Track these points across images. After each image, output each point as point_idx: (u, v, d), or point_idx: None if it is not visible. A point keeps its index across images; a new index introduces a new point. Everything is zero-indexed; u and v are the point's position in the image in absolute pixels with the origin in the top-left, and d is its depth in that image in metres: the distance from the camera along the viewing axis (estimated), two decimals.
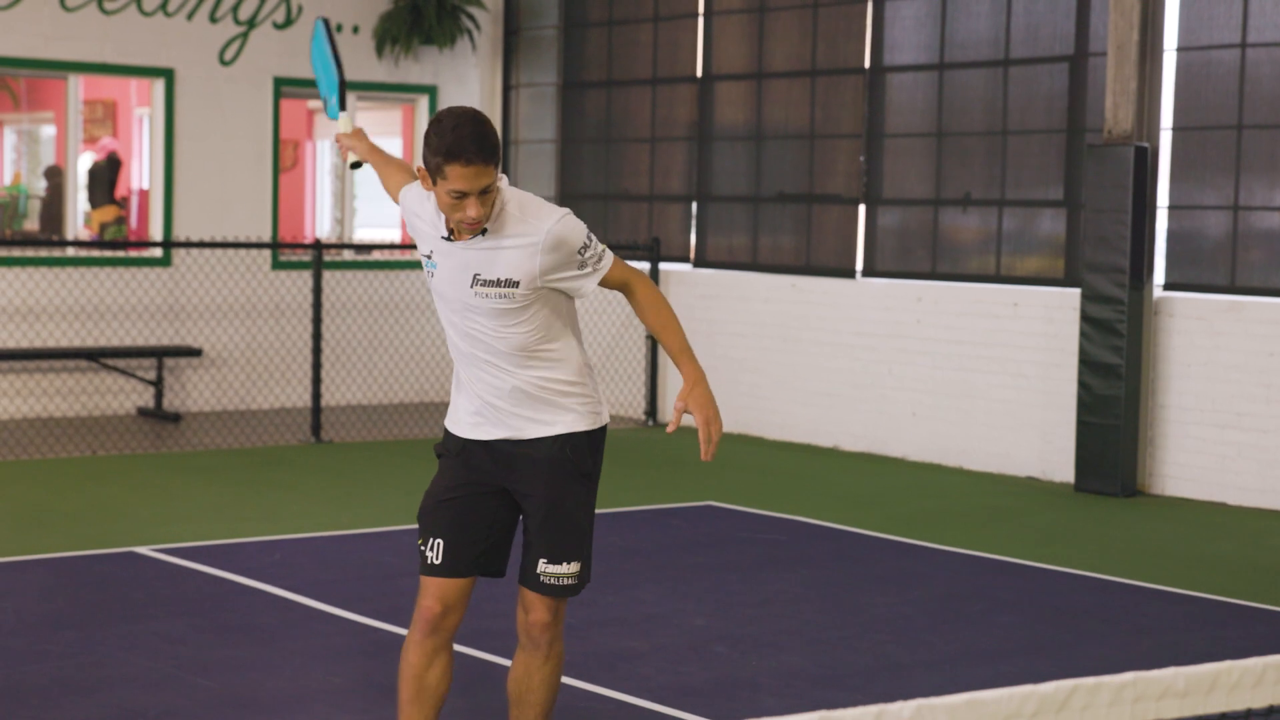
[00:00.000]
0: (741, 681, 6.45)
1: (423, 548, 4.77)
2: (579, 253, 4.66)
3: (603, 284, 4.77)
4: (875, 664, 6.80)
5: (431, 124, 4.54)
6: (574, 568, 4.77)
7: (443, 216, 4.65)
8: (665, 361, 13.99)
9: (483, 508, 4.77)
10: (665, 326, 4.76)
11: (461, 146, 4.44)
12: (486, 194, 4.51)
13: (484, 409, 4.74)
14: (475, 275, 4.63)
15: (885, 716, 2.16)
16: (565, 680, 6.29)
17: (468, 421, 4.78)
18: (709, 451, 4.67)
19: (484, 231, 4.60)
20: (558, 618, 4.83)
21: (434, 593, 4.76)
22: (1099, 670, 6.46)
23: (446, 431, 4.87)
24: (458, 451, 4.80)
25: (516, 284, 4.61)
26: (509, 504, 4.81)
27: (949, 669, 6.74)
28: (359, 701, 6.03)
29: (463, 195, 4.48)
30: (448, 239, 4.65)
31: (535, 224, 4.62)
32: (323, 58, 5.65)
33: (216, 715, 5.86)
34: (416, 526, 4.80)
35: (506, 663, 6.26)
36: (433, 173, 4.53)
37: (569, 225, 4.63)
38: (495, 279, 4.61)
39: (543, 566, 4.75)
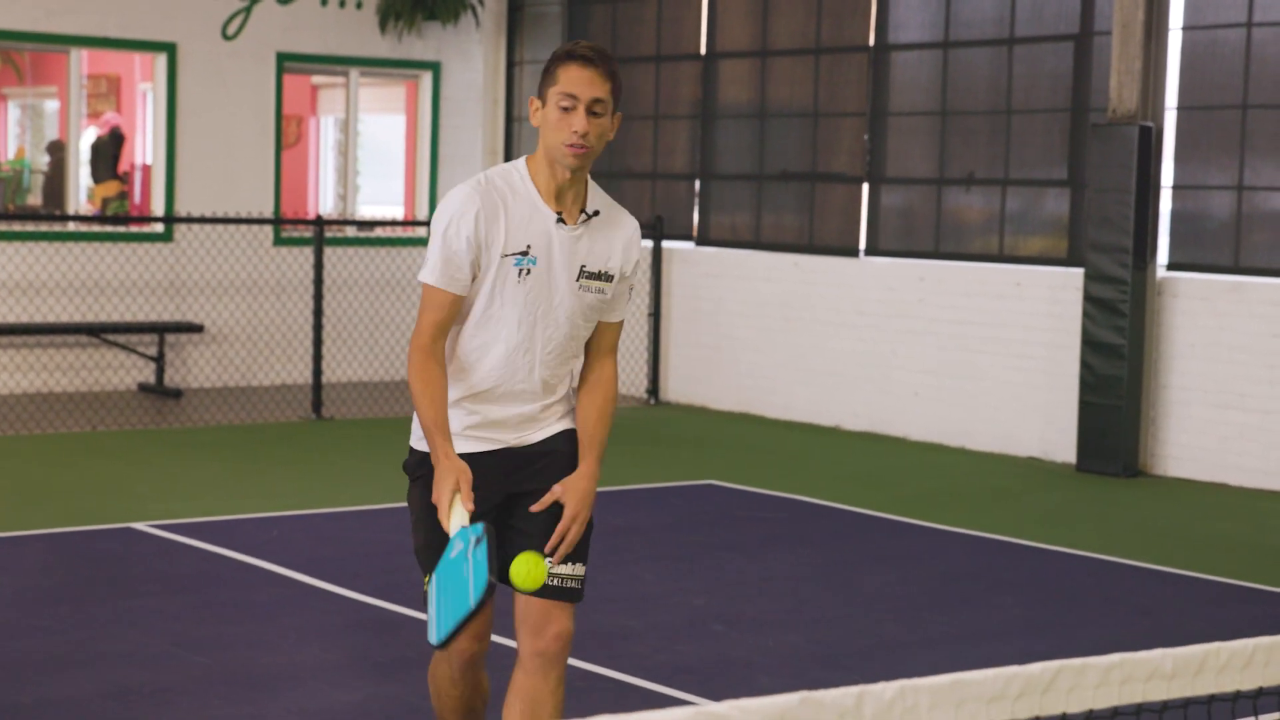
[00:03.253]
0: (738, 660, 6.44)
1: None
2: (638, 264, 4.45)
3: (597, 329, 4.41)
4: (874, 643, 6.78)
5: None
6: (582, 570, 4.32)
7: (537, 210, 4.24)
8: (667, 341, 13.96)
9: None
10: (607, 415, 4.40)
11: (578, 49, 4.23)
12: (596, 116, 4.21)
13: (509, 419, 4.31)
14: (582, 267, 4.28)
15: (867, 697, 2.13)
16: None
17: (474, 436, 4.30)
18: (560, 550, 4.23)
19: (595, 214, 4.30)
20: (570, 625, 4.32)
21: (468, 630, 4.03)
22: (1099, 651, 6.44)
23: (422, 453, 4.29)
24: None
25: (611, 278, 4.33)
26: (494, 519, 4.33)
27: (948, 649, 6.72)
28: (355, 678, 6.02)
29: (573, 103, 4.18)
30: (560, 221, 4.25)
31: (627, 216, 4.42)
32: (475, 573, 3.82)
33: (211, 691, 5.85)
34: (418, 562, 4.33)
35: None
36: (545, 87, 4.23)
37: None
38: (597, 271, 4.30)
39: (556, 569, 4.25)
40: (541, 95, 4.26)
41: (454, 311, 4.22)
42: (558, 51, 4.28)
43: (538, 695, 4.21)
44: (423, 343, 4.19)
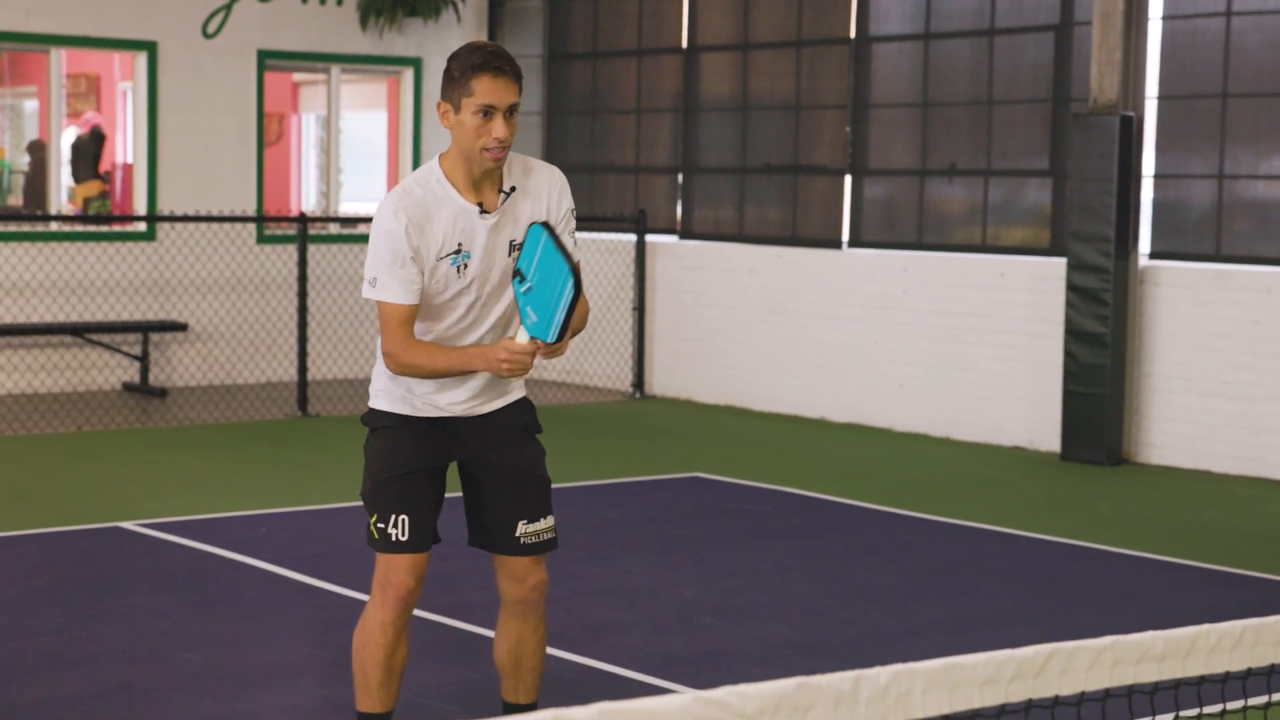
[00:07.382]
0: (728, 652, 6.46)
1: (383, 526, 4.67)
2: (572, 212, 4.72)
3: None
4: (862, 633, 6.81)
5: (451, 57, 4.50)
6: (550, 521, 4.81)
7: (459, 208, 4.53)
8: (651, 335, 13.99)
9: (434, 483, 4.75)
10: (583, 317, 4.60)
11: (490, 59, 4.44)
12: (511, 117, 4.46)
13: (462, 389, 4.70)
14: (510, 242, 4.59)
15: (863, 682, 2.16)
16: (551, 651, 6.30)
17: (431, 402, 4.70)
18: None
19: (512, 190, 4.56)
20: (546, 573, 4.88)
21: (406, 569, 4.68)
22: (1088, 637, 6.46)
23: (381, 411, 4.75)
24: (402, 425, 4.71)
25: None
26: (443, 479, 4.82)
27: (936, 638, 6.75)
28: (347, 675, 6.02)
29: (490, 112, 4.42)
30: (483, 212, 4.53)
31: (544, 170, 4.66)
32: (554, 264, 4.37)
33: (202, 689, 5.86)
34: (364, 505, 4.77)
35: (490, 633, 6.26)
36: (458, 95, 4.45)
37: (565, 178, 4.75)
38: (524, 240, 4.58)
39: (522, 529, 4.76)
40: (452, 101, 4.49)
41: (414, 318, 4.58)
42: (464, 60, 4.46)
43: (523, 630, 4.86)
44: (393, 347, 4.53)
